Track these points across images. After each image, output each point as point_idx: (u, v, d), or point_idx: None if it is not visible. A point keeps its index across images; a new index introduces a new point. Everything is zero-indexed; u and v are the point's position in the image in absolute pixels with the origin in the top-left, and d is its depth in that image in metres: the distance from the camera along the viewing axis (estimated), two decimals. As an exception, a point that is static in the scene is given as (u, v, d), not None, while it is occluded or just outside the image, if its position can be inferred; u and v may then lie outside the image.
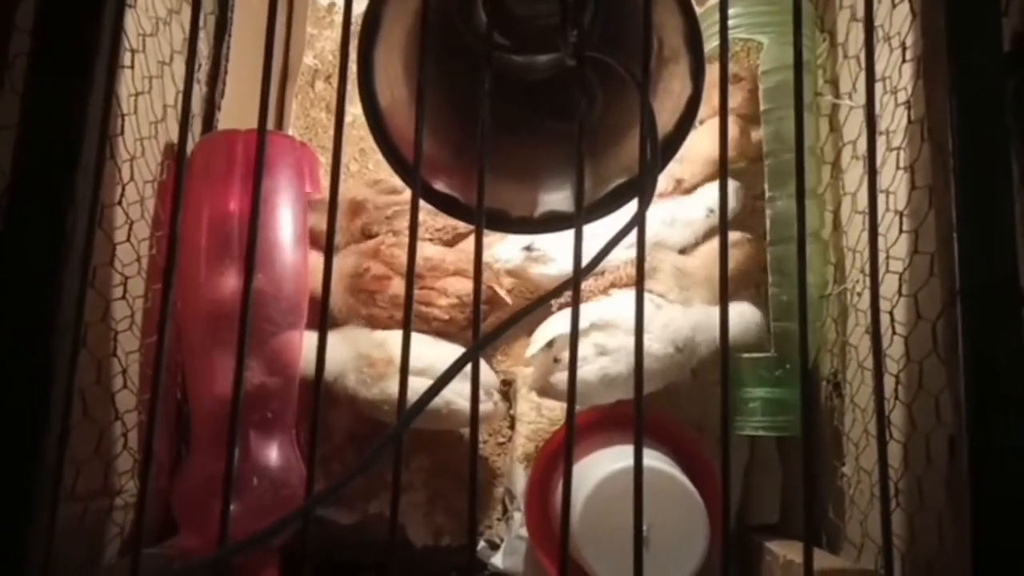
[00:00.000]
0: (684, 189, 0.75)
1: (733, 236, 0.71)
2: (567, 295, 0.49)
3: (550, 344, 0.69)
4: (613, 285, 0.73)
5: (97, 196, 0.40)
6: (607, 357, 0.67)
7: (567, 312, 0.68)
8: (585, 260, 0.44)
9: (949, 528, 0.47)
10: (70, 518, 0.51)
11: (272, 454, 0.60)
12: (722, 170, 0.45)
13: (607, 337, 0.67)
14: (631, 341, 0.68)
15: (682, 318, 0.68)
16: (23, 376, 0.38)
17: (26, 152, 0.41)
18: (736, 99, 0.72)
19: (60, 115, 0.41)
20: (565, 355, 0.68)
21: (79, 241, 0.39)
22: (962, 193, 0.41)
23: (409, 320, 0.43)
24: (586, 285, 0.72)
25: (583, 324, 0.66)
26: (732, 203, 0.69)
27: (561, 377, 0.69)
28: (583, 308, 0.69)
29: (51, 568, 0.36)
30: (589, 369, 0.66)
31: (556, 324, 0.71)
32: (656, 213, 0.73)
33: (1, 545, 0.36)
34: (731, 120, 0.73)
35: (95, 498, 0.54)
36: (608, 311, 0.69)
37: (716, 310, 0.68)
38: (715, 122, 0.72)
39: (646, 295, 0.69)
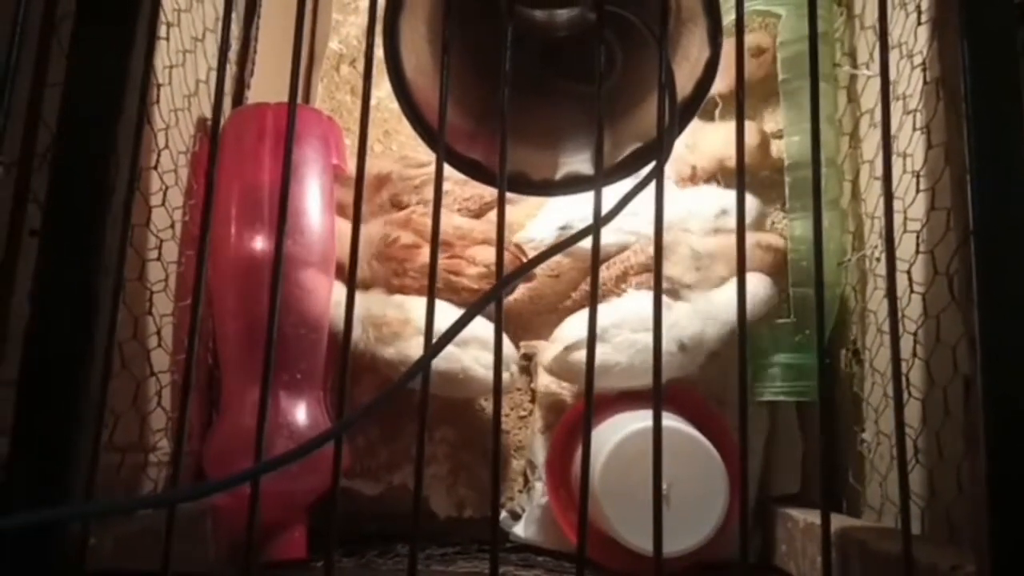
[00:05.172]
0: (698, 178, 0.77)
1: (770, 239, 0.72)
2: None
3: (567, 349, 0.71)
4: (626, 273, 0.74)
5: (139, 142, 0.42)
6: (609, 345, 0.68)
7: (584, 313, 0.69)
8: (608, 228, 0.45)
9: (967, 476, 0.48)
10: (108, 468, 0.53)
11: (301, 414, 0.62)
12: (739, 127, 0.45)
13: (612, 334, 0.69)
14: (634, 338, 0.70)
15: (688, 316, 0.69)
16: (70, 313, 0.40)
17: (71, 105, 0.43)
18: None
19: (103, 70, 0.43)
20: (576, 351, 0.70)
21: (121, 186, 0.41)
22: (975, 138, 0.41)
23: (434, 271, 0.44)
24: (600, 275, 0.73)
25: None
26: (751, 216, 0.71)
27: (570, 358, 0.71)
28: (599, 309, 0.70)
29: (94, 495, 0.38)
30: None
31: (575, 325, 0.73)
32: (676, 201, 0.74)
33: (48, 473, 0.38)
34: (753, 129, 0.74)
35: (131, 451, 0.56)
36: (617, 312, 0.70)
37: (720, 295, 0.70)
38: (731, 125, 0.74)
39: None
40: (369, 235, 0.70)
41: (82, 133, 0.43)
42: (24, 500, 0.37)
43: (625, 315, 0.69)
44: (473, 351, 0.70)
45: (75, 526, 0.38)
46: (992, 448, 0.38)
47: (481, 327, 0.70)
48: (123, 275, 0.40)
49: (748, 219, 0.68)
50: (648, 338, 0.65)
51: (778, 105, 0.74)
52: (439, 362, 0.70)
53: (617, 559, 0.62)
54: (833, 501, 0.68)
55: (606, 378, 0.68)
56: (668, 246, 0.71)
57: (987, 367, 0.39)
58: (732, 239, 0.45)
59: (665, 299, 0.70)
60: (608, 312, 0.70)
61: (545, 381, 0.78)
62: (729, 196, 0.73)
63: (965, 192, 0.41)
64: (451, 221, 0.73)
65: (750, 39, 0.73)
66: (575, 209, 0.74)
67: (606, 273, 0.74)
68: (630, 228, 0.74)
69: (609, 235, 0.73)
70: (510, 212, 0.77)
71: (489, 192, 0.74)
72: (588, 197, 0.45)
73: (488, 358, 0.69)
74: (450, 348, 0.69)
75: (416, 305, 0.70)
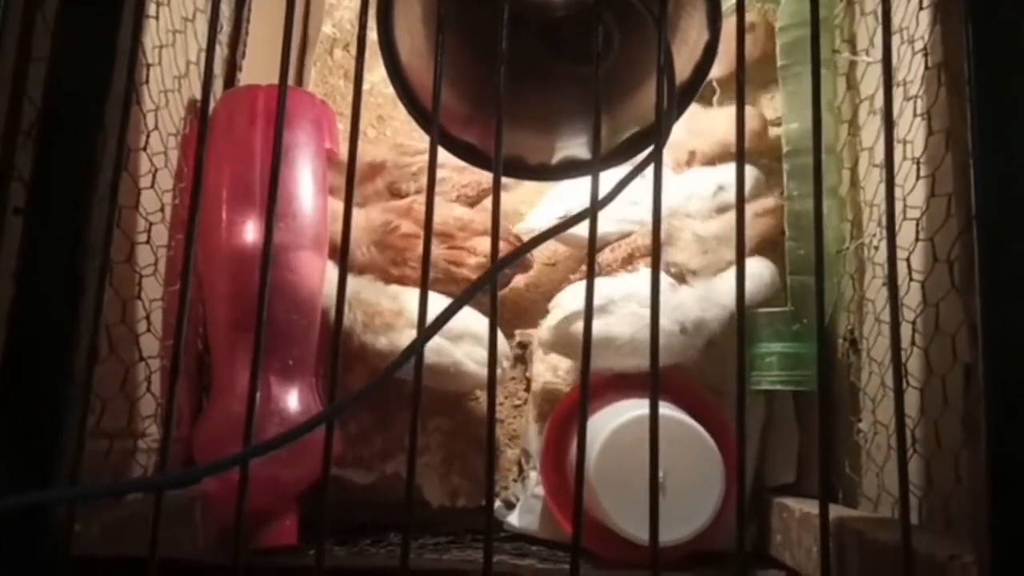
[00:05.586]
0: (696, 163, 0.76)
1: (765, 203, 0.71)
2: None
3: (567, 319, 0.70)
4: (632, 255, 0.73)
5: (126, 120, 0.41)
6: (613, 316, 0.67)
7: (582, 284, 0.69)
8: (609, 218, 0.44)
9: (965, 466, 0.47)
10: (96, 454, 0.52)
11: (293, 400, 0.61)
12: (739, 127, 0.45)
13: (619, 306, 0.68)
14: (642, 311, 0.69)
15: (692, 299, 0.68)
16: (55, 293, 0.39)
17: (57, 81, 0.42)
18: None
19: (90, 47, 0.42)
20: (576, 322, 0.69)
21: (108, 165, 0.40)
22: (979, 122, 0.41)
23: (428, 255, 0.43)
24: (604, 257, 0.72)
25: (601, 300, 0.67)
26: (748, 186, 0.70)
27: (570, 328, 0.70)
28: (606, 282, 0.70)
29: (80, 479, 0.37)
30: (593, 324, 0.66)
31: (572, 295, 0.72)
32: (674, 185, 0.73)
33: (33, 457, 0.37)
34: (753, 115, 0.74)
35: (120, 437, 0.55)
36: (626, 286, 0.69)
37: (721, 281, 0.70)
38: (733, 108, 0.73)
39: (663, 276, 0.70)
40: (369, 219, 0.69)
41: (68, 110, 0.42)
42: (8, 483, 0.36)
43: (633, 290, 0.68)
44: (466, 347, 0.69)
45: (60, 510, 0.38)
46: (993, 435, 0.38)
47: (474, 321, 0.69)
48: (110, 256, 0.40)
49: (747, 187, 0.68)
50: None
51: (776, 91, 0.73)
52: (430, 355, 0.69)
53: (612, 548, 0.62)
54: (829, 491, 0.68)
55: (607, 353, 0.66)
56: (672, 232, 0.70)
57: (989, 353, 0.38)
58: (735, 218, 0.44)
59: (671, 282, 0.69)
60: (617, 285, 0.69)
61: (540, 369, 0.77)
62: (724, 171, 0.72)
63: (968, 177, 0.41)
64: (452, 212, 0.72)
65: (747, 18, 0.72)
66: (575, 198, 0.73)
67: (611, 255, 0.73)
68: (631, 218, 0.73)
69: (610, 224, 0.72)
70: (508, 199, 0.76)
71: (487, 179, 0.73)
72: (588, 185, 0.45)
73: (480, 354, 0.68)
74: (442, 342, 0.69)
75: (411, 297, 0.68)
